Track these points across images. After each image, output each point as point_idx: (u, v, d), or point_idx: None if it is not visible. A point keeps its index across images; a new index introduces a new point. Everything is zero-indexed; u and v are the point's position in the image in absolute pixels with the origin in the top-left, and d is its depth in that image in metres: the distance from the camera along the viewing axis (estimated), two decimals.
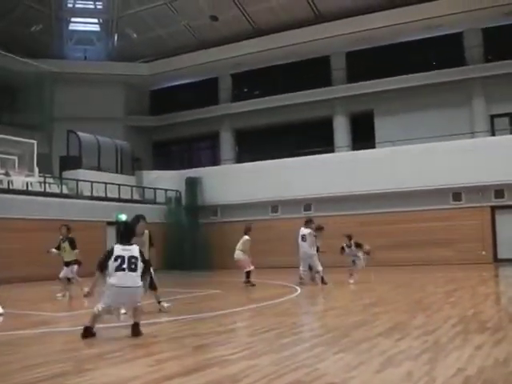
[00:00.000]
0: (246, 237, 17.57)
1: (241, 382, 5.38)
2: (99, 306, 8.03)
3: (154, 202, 30.35)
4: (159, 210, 29.77)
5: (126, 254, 8.03)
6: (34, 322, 10.80)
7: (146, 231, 11.26)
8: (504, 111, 29.05)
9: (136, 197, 30.14)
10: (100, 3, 34.94)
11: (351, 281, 16.46)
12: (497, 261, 24.00)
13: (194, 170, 31.96)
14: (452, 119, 28.97)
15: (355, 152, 29.66)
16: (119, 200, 28.14)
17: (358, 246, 16.87)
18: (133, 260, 8.03)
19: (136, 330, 8.09)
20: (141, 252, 8.21)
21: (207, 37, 34.29)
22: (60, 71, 32.23)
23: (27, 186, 24.18)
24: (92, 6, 35.33)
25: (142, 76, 36.22)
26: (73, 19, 35.88)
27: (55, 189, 26.94)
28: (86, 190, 27.46)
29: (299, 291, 14.86)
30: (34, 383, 5.59)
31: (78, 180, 27.57)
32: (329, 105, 32.37)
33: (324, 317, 10.00)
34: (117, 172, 31.27)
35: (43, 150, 24.90)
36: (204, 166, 32.97)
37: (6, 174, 16.38)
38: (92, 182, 27.60)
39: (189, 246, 29.04)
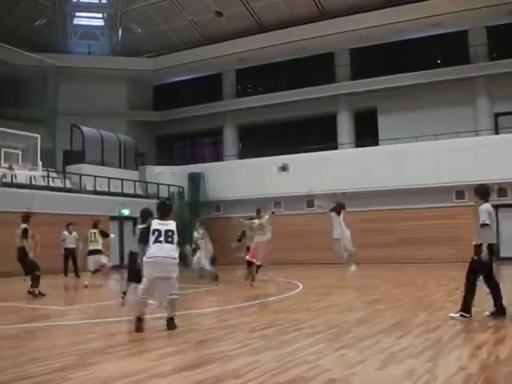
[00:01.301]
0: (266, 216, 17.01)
1: (243, 377, 5.40)
2: (139, 289, 8.39)
3: (157, 197, 30.31)
4: None
5: (163, 228, 8.33)
6: (39, 315, 10.87)
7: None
8: (508, 109, 28.95)
9: (139, 192, 30.16)
10: None
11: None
12: (499, 259, 23.98)
13: (197, 165, 31.97)
14: (456, 117, 28.90)
15: (359, 149, 29.67)
16: (122, 195, 28.18)
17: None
18: (169, 233, 8.33)
19: (172, 324, 8.29)
20: (177, 227, 8.46)
21: (212, 32, 34.27)
22: (64, 66, 32.19)
23: (31, 180, 24.24)
24: (97, 1, 35.33)
25: (146, 71, 36.21)
26: (77, 14, 35.90)
27: (58, 183, 26.98)
28: (89, 184, 27.50)
29: (301, 287, 14.87)
30: (39, 376, 5.61)
31: (81, 174, 27.60)
32: (333, 101, 32.33)
33: (326, 313, 10.01)
34: (120, 167, 31.28)
35: (47, 145, 24.97)
36: (207, 162, 32.97)
37: (10, 168, 16.41)
38: (95, 176, 27.64)
39: (191, 242, 29.00)
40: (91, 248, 16.42)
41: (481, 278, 8.70)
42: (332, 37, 30.79)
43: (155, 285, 8.26)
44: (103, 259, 16.63)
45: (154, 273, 8.19)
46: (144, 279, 8.31)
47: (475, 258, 8.64)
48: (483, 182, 9.74)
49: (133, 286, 11.52)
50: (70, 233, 19.16)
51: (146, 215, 11.76)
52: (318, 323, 8.70)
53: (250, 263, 16.19)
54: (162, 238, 8.25)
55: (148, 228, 8.47)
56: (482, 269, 8.60)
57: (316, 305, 11.35)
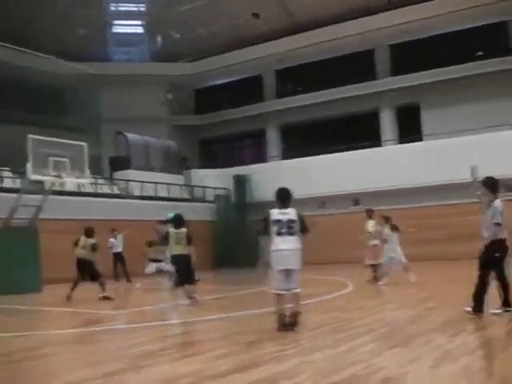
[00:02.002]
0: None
1: (295, 378, 5.37)
2: (273, 284, 8.06)
3: (203, 201, 30.58)
4: (208, 208, 29.98)
5: (284, 218, 8.03)
6: (93, 320, 11.05)
7: (184, 229, 11.95)
8: None
9: (185, 195, 30.38)
10: (142, 5, 35.29)
11: (382, 283, 14.92)
12: None
13: (241, 167, 32.02)
14: (501, 109, 28.26)
15: (402, 145, 29.30)
16: (169, 199, 28.39)
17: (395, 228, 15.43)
18: (291, 224, 8.01)
19: (295, 321, 7.98)
20: (299, 215, 8.14)
21: (249, 34, 34.33)
22: (106, 73, 32.78)
23: (79, 188, 24.69)
24: (135, 9, 35.74)
25: (186, 75, 36.47)
26: (116, 22, 36.38)
27: (106, 189, 27.41)
28: (135, 189, 27.85)
29: (351, 287, 14.77)
30: (95, 379, 5.69)
31: (127, 180, 28.00)
32: (374, 98, 32.01)
33: (378, 312, 9.93)
34: (165, 171, 31.61)
35: (93, 152, 25.28)
36: (250, 164, 32.98)
37: (58, 177, 16.68)
38: (141, 181, 27.98)
39: (238, 244, 29.12)
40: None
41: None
42: (371, 33, 30.55)
43: (280, 277, 7.97)
44: (163, 265, 16.83)
45: (280, 265, 7.92)
46: (273, 273, 8.01)
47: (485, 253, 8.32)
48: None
49: (186, 287, 11.77)
50: (115, 238, 19.47)
51: (179, 221, 12.12)
52: (371, 321, 8.64)
53: (372, 265, 15.76)
54: (284, 230, 7.97)
55: (266, 219, 8.14)
56: (493, 264, 8.33)
57: (368, 303, 11.25)
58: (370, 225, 16.14)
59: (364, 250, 16.08)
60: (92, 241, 14.35)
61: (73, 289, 14.01)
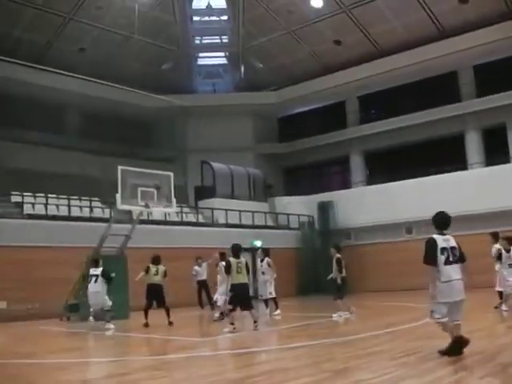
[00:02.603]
0: None
1: None
2: (435, 313, 7.65)
3: (287, 228, 30.58)
4: (293, 235, 29.94)
5: (448, 245, 7.62)
6: (177, 346, 11.16)
7: (243, 259, 12.75)
8: None
9: (269, 223, 30.49)
10: (225, 37, 36.00)
11: (504, 308, 13.86)
12: None
13: (325, 194, 31.87)
14: None
15: (489, 168, 28.36)
16: (253, 226, 28.57)
17: None
18: (455, 252, 7.64)
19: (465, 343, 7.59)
20: (457, 242, 7.78)
21: (331, 61, 34.34)
22: (191, 105, 33.56)
23: (165, 217, 25.21)
24: (218, 41, 36.50)
25: (270, 104, 36.79)
26: (200, 54, 37.25)
27: (191, 218, 27.85)
28: (220, 217, 28.17)
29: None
30: None
31: (212, 208, 28.37)
32: (459, 121, 31.16)
33: None
34: (250, 199, 31.87)
35: (179, 182, 25.87)
36: (334, 190, 32.77)
37: (146, 206, 17.11)
38: (226, 209, 28.28)
39: (323, 270, 28.87)
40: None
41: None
42: (454, 55, 29.87)
43: (452, 308, 7.58)
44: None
45: (454, 297, 7.49)
46: (440, 305, 7.56)
47: None
48: None
49: (253, 312, 12.57)
50: (200, 266, 19.76)
51: (237, 251, 12.48)
52: None
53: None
54: (451, 259, 7.53)
55: (433, 246, 7.60)
56: None
57: None
58: (496, 249, 15.11)
59: (491, 275, 14.98)
60: (164, 268, 15.23)
61: (146, 316, 14.64)
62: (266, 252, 17.51)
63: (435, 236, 7.66)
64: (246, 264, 12.60)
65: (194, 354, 9.80)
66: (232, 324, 12.29)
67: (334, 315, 14.73)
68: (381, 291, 26.33)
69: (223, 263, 14.68)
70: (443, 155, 32.13)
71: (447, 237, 7.65)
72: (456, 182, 27.10)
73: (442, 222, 7.82)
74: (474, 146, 31.30)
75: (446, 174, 28.31)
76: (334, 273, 15.42)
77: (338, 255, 15.53)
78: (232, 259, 12.59)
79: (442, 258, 7.48)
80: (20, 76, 27.57)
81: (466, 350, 8.11)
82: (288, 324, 12.63)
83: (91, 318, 15.03)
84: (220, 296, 15.96)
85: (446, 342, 9.30)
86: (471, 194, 26.06)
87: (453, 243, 7.64)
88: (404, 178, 29.33)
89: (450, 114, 30.94)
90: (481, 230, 24.86)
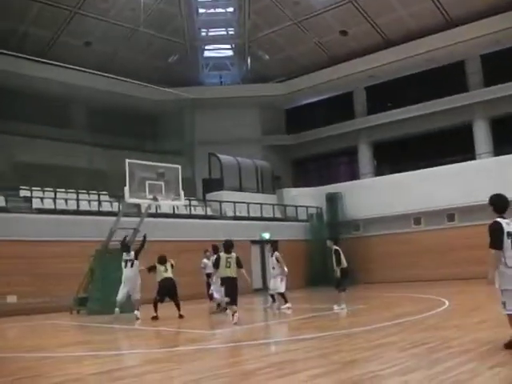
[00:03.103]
0: None
1: None
2: (508, 305, 7.12)
3: (295, 220, 30.56)
4: (301, 227, 29.93)
5: (511, 230, 7.09)
6: (188, 339, 11.17)
7: (234, 254, 12.71)
8: None
9: (278, 215, 30.47)
10: (231, 29, 35.87)
11: None
12: None
13: (333, 185, 31.79)
14: None
15: (498, 158, 28.17)
16: (261, 219, 28.55)
17: None
18: None
19: None
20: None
21: (338, 52, 34.19)
22: (198, 97, 33.52)
23: (174, 210, 25.25)
24: (224, 33, 36.38)
25: (277, 96, 36.70)
26: (207, 47, 37.15)
27: (200, 211, 27.87)
28: (229, 210, 28.17)
29: (447, 305, 14.28)
30: None
31: (220, 201, 28.37)
32: (467, 111, 30.97)
33: (476, 330, 9.52)
34: (258, 191, 31.84)
35: (186, 174, 25.88)
36: (342, 181, 32.70)
37: (154, 199, 17.09)
38: (234, 202, 28.28)
39: (332, 262, 28.85)
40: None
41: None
42: (461, 45, 29.65)
43: None
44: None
45: None
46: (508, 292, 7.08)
47: None
48: None
49: (233, 307, 12.53)
50: (208, 258, 19.71)
51: (228, 247, 12.59)
52: (469, 340, 8.30)
53: None
54: None
55: (499, 230, 7.10)
56: None
57: (465, 321, 10.84)
58: None
59: None
60: (170, 262, 15.27)
61: (156, 310, 14.70)
62: (274, 246, 17.40)
63: (499, 219, 7.18)
64: (237, 259, 12.68)
65: (204, 347, 9.81)
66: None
67: (335, 307, 14.71)
68: (390, 282, 26.31)
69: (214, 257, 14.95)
70: (451, 145, 31.97)
71: (508, 220, 7.16)
72: (464, 172, 26.97)
73: (502, 205, 7.32)
74: (482, 135, 31.12)
75: (454, 165, 28.14)
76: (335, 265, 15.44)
77: (336, 247, 15.51)
78: (222, 254, 12.87)
79: (508, 243, 7.01)
80: (27, 71, 27.63)
81: (474, 340, 8.10)
82: (296, 316, 12.64)
83: (117, 309, 15.08)
84: (216, 289, 16.07)
85: (453, 332, 9.30)
86: (480, 184, 25.92)
87: None
88: (412, 169, 29.27)
89: (457, 104, 30.79)
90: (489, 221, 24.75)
